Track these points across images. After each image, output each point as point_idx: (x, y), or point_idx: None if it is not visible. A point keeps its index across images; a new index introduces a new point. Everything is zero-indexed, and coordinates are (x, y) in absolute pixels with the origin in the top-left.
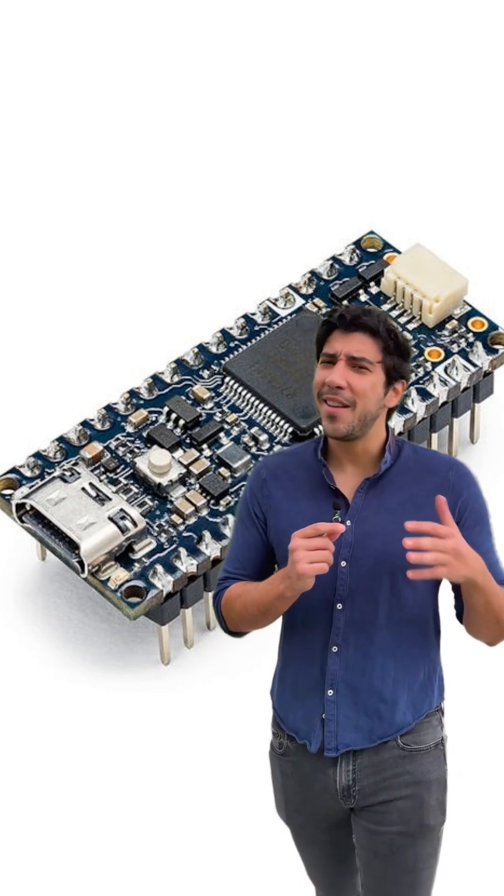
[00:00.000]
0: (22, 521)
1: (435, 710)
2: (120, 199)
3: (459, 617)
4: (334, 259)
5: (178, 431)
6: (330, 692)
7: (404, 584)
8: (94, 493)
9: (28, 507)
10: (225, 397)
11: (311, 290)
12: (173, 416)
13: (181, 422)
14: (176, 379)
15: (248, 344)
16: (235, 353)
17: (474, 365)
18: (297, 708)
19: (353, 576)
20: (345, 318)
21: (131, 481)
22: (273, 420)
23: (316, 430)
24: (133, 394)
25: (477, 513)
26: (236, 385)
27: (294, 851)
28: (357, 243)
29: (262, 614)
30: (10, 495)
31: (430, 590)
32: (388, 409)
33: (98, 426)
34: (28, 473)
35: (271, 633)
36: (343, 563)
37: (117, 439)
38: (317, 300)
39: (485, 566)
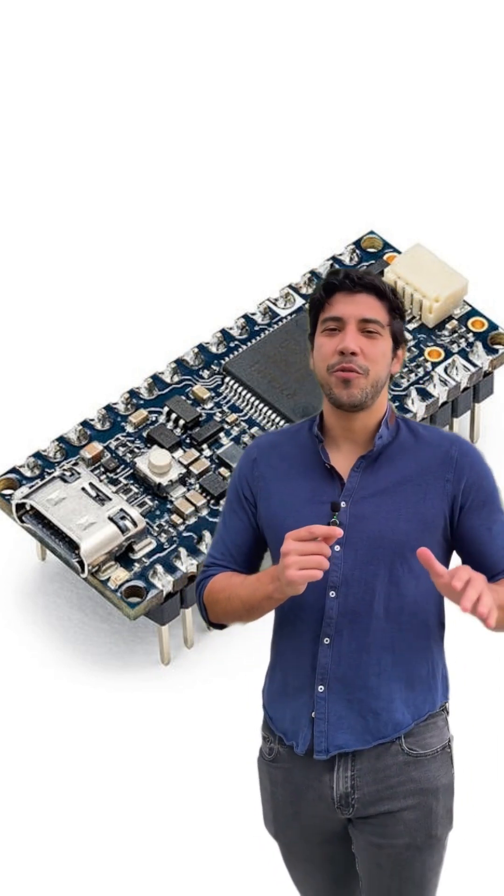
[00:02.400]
0: (22, 521)
1: (439, 709)
2: (120, 200)
3: None
4: (334, 259)
5: (178, 431)
6: (320, 688)
7: (404, 572)
8: (94, 493)
9: (28, 507)
10: (225, 397)
11: (310, 290)
12: (173, 416)
13: (181, 422)
14: (176, 379)
15: (248, 344)
16: (235, 353)
17: (474, 365)
18: (285, 707)
19: (348, 561)
20: (351, 279)
21: (131, 481)
22: (273, 420)
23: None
24: (133, 394)
25: (485, 492)
26: (236, 385)
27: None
28: (357, 243)
29: (248, 612)
30: (10, 495)
31: None
32: (391, 377)
33: (98, 426)
34: (28, 473)
35: (272, 632)
36: (337, 548)
37: (117, 439)
38: None
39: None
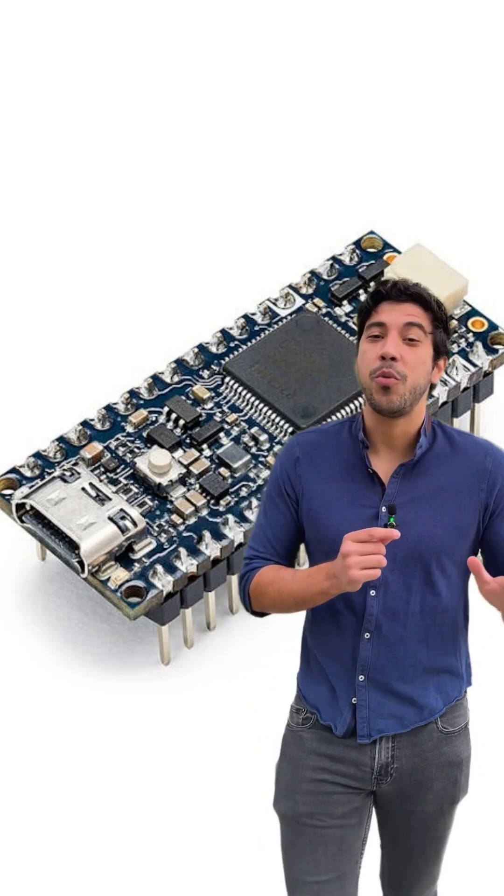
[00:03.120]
0: (22, 521)
1: (462, 694)
2: (120, 200)
3: None
4: (334, 259)
5: (178, 431)
6: (361, 678)
7: (439, 575)
8: (94, 493)
9: (28, 507)
10: (225, 397)
11: (311, 290)
12: (173, 416)
13: (181, 422)
14: (176, 379)
15: (248, 344)
16: (235, 353)
17: (474, 365)
18: (323, 690)
19: (388, 563)
20: (398, 288)
21: (131, 481)
22: (273, 420)
23: None
24: (133, 394)
25: None
26: (236, 385)
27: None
28: (357, 243)
29: (298, 605)
30: (10, 495)
31: (463, 578)
32: (430, 385)
33: (98, 426)
34: (28, 473)
35: (272, 632)
36: None
37: (117, 439)
38: (317, 300)
39: None
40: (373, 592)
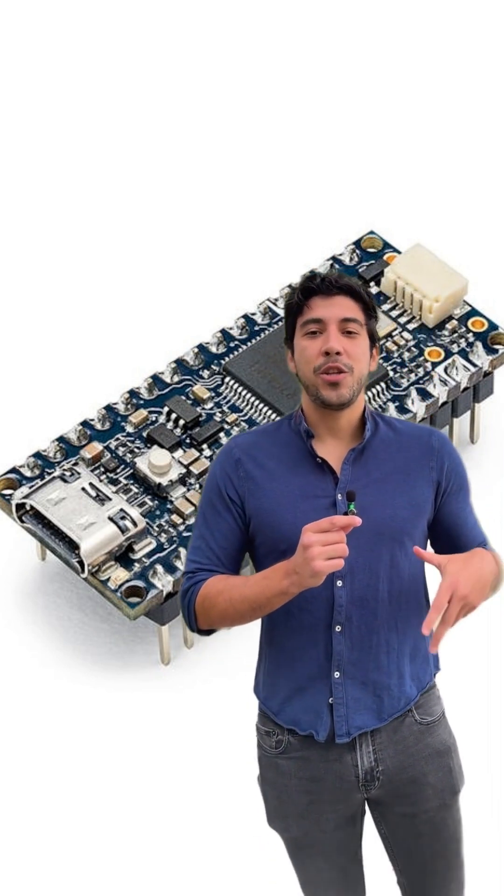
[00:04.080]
0: (22, 521)
1: (434, 679)
2: (120, 200)
3: None
4: (334, 259)
5: (178, 431)
6: (336, 674)
7: (402, 556)
8: (94, 493)
9: (28, 507)
10: (225, 397)
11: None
12: (173, 416)
13: (181, 422)
14: (176, 379)
15: (248, 344)
16: (235, 353)
17: (474, 365)
18: (295, 698)
19: (352, 550)
20: (328, 282)
21: (131, 481)
22: (273, 420)
23: None
24: (133, 394)
25: (460, 477)
26: (236, 385)
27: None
28: (357, 243)
29: (254, 611)
30: (10, 495)
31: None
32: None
33: (98, 426)
34: (28, 473)
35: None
36: None
37: (117, 439)
38: None
39: (480, 573)
40: (339, 583)
